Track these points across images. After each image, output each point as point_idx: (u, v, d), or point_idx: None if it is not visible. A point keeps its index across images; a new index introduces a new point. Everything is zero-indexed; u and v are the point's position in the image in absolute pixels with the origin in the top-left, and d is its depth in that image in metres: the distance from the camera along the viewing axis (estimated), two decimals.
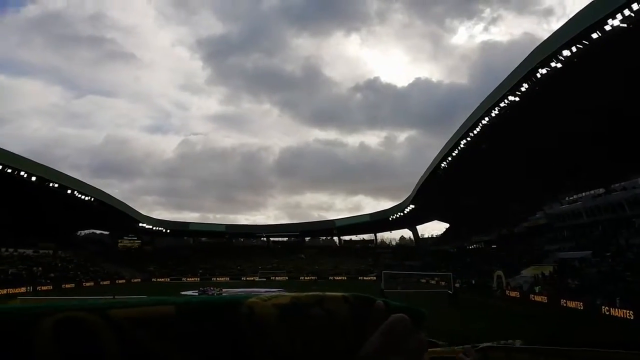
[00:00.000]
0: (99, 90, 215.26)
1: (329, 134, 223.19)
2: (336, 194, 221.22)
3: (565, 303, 32.43)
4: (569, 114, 39.78)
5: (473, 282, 51.56)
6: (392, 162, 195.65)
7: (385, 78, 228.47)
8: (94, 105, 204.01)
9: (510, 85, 38.47)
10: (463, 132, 47.77)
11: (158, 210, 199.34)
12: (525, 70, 36.33)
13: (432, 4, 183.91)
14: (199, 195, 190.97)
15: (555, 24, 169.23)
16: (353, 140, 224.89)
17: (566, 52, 32.63)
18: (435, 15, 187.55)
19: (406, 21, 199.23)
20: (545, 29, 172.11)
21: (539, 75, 35.66)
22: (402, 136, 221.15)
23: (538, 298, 36.38)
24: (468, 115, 48.00)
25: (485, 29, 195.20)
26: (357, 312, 0.62)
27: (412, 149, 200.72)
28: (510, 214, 61.28)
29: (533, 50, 36.24)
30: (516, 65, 38.36)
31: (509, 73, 39.36)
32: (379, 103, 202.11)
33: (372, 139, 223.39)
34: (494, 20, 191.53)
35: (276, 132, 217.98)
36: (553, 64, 34.17)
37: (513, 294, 40.91)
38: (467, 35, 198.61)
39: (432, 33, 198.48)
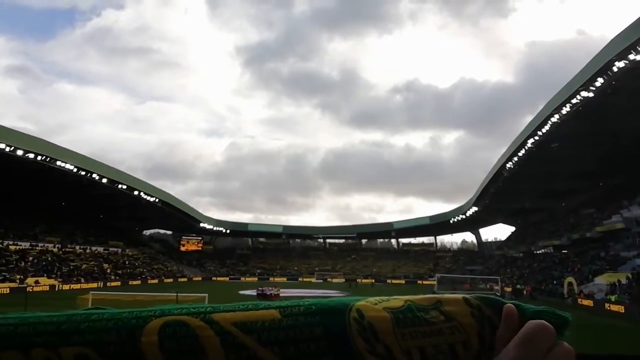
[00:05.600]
0: (158, 97, 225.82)
1: (371, 136, 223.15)
2: (385, 195, 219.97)
3: None
4: None
5: (542, 288, 49.26)
6: (440, 163, 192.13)
7: (425, 79, 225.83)
8: (152, 111, 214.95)
9: (583, 80, 36.18)
10: (530, 130, 45.56)
11: (212, 211, 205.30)
12: (600, 64, 34.03)
13: (463, 4, 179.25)
14: (250, 196, 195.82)
15: (605, 15, 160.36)
16: (397, 141, 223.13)
17: None
18: (469, 15, 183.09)
19: (440, 22, 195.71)
20: (593, 21, 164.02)
21: (615, 69, 33.30)
22: (449, 137, 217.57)
23: (614, 307, 33.96)
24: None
25: (524, 27, 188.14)
26: (482, 316, 0.55)
27: (461, 150, 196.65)
28: (582, 217, 57.89)
29: (608, 43, 33.88)
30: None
31: (582, 67, 37.02)
32: (420, 104, 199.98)
33: (417, 140, 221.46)
34: (531, 18, 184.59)
35: (320, 135, 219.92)
36: (632, 57, 31.79)
37: (586, 302, 38.46)
38: (507, 33, 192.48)
39: (469, 33, 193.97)
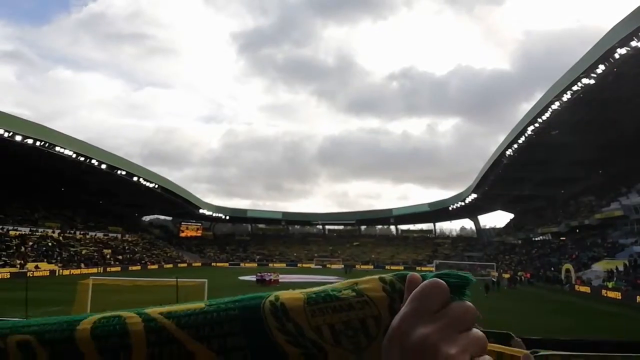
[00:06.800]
0: (156, 83, 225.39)
1: (368, 123, 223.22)
2: (382, 182, 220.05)
3: None
4: None
5: (540, 274, 49.68)
6: (437, 151, 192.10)
7: (421, 66, 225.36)
8: (150, 97, 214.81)
9: (584, 67, 35.98)
10: (531, 117, 45.45)
11: (210, 197, 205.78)
12: (602, 51, 33.81)
13: None
14: (248, 183, 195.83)
15: (601, 3, 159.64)
16: (394, 128, 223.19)
17: None
18: (464, 2, 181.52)
19: (435, 9, 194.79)
20: (590, 10, 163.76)
21: (617, 56, 33.11)
22: (445, 124, 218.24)
23: (611, 294, 34.18)
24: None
25: (519, 15, 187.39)
26: (394, 290, 0.55)
27: (458, 137, 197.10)
28: (581, 204, 58.05)
29: (610, 29, 33.64)
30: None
31: (584, 54, 36.81)
32: (417, 91, 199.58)
33: (414, 127, 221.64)
34: (526, 5, 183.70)
35: (317, 122, 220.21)
36: (634, 43, 31.58)
37: (583, 288, 38.75)
38: (502, 21, 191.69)
39: (465, 20, 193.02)
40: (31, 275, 41.07)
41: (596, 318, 23.43)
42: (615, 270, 37.96)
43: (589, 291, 37.35)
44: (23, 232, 53.39)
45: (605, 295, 34.56)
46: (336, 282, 0.59)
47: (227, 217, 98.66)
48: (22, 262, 46.33)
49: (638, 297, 30.69)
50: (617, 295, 33.33)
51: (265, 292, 0.57)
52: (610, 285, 35.72)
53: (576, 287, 39.89)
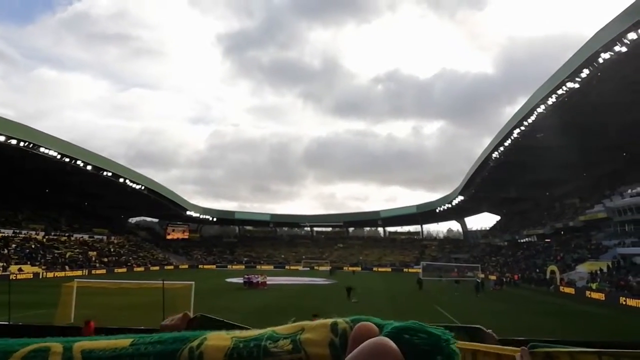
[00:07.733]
0: (142, 84, 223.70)
1: (354, 125, 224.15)
2: (369, 184, 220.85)
3: (625, 301, 30.72)
4: (633, 101, 37.42)
5: (525, 275, 50.19)
6: (423, 153, 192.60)
7: (406, 69, 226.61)
8: (136, 97, 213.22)
9: (569, 71, 36.46)
10: (516, 120, 45.94)
11: (197, 199, 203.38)
12: (586, 55, 34.29)
13: None
14: (234, 184, 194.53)
15: (582, 10, 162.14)
16: (380, 130, 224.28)
17: (632, 35, 30.53)
18: (446, 7, 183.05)
19: (420, 12, 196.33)
20: (571, 16, 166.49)
21: (601, 60, 33.59)
22: (430, 126, 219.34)
23: (595, 295, 34.60)
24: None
25: (501, 20, 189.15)
26: (344, 345, 0.44)
27: (443, 140, 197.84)
28: (566, 206, 58.78)
29: (594, 35, 34.13)
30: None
31: (569, 58, 37.31)
32: (402, 94, 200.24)
33: (400, 129, 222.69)
34: (508, 11, 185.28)
35: (304, 124, 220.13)
36: (617, 48, 32.06)
37: (567, 289, 39.21)
38: (484, 26, 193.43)
39: (448, 25, 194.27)
40: (14, 277, 40.31)
41: (580, 319, 23.71)
42: (599, 272, 38.44)
43: (574, 292, 37.79)
44: (6, 234, 52.55)
45: (589, 296, 34.96)
46: (285, 326, 0.46)
47: (215, 219, 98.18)
48: (4, 264, 45.60)
49: (621, 298, 31.13)
50: (600, 296, 33.75)
51: (202, 331, 0.48)
52: (594, 286, 36.15)
53: (561, 288, 40.34)
